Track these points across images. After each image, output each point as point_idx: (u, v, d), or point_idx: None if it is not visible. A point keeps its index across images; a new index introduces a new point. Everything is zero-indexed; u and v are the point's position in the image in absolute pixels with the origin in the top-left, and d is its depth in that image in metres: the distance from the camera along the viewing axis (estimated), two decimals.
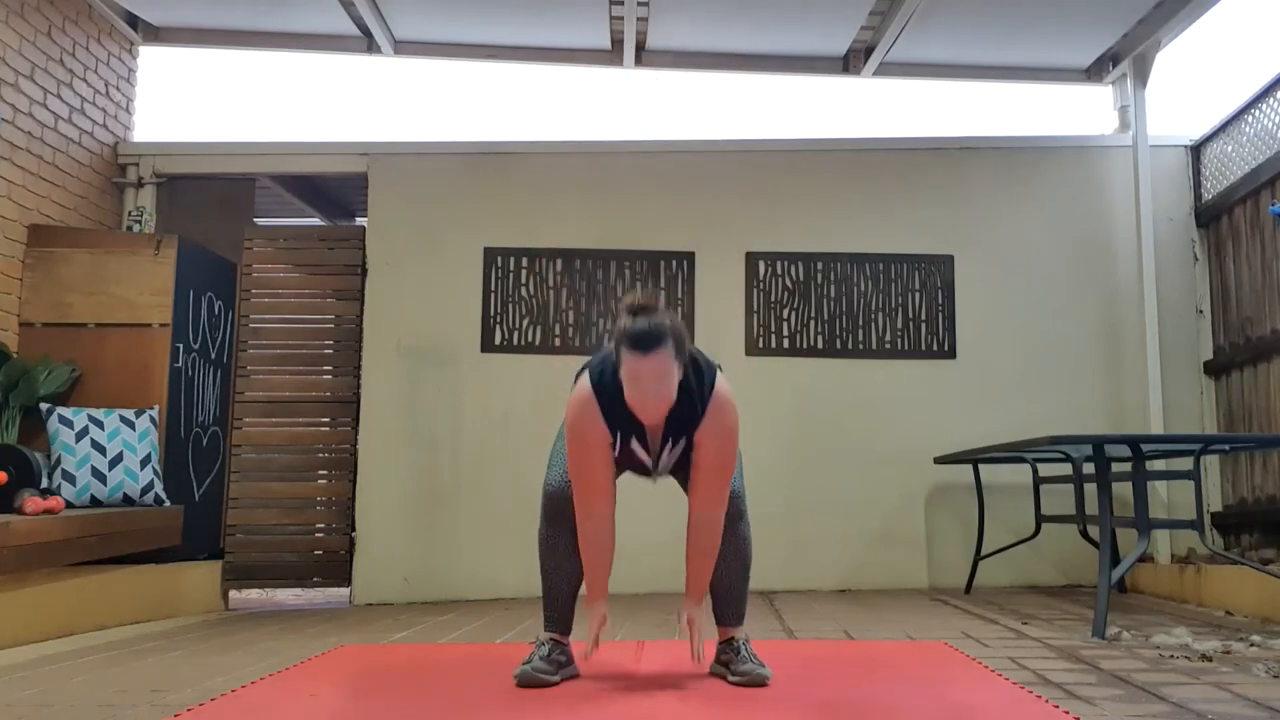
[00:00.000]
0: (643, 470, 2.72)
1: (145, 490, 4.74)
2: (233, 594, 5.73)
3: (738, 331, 5.83)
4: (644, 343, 2.39)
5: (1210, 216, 5.77)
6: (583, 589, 2.73)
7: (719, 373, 2.62)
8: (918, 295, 5.90)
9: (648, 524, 4.97)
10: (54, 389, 4.79)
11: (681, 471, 2.70)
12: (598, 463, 2.56)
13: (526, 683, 2.62)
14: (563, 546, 2.70)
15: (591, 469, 2.57)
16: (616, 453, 2.61)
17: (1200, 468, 4.23)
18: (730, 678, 2.66)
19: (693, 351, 2.58)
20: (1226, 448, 4.87)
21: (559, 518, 2.69)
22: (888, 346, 5.86)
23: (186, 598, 5.10)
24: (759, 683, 2.60)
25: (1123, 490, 4.81)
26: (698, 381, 2.54)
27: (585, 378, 2.59)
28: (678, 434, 2.59)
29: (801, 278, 5.91)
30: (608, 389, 2.52)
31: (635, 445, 2.61)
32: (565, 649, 2.75)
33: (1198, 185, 5.92)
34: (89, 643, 3.93)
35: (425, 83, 7.32)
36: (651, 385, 2.42)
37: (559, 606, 2.76)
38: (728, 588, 2.73)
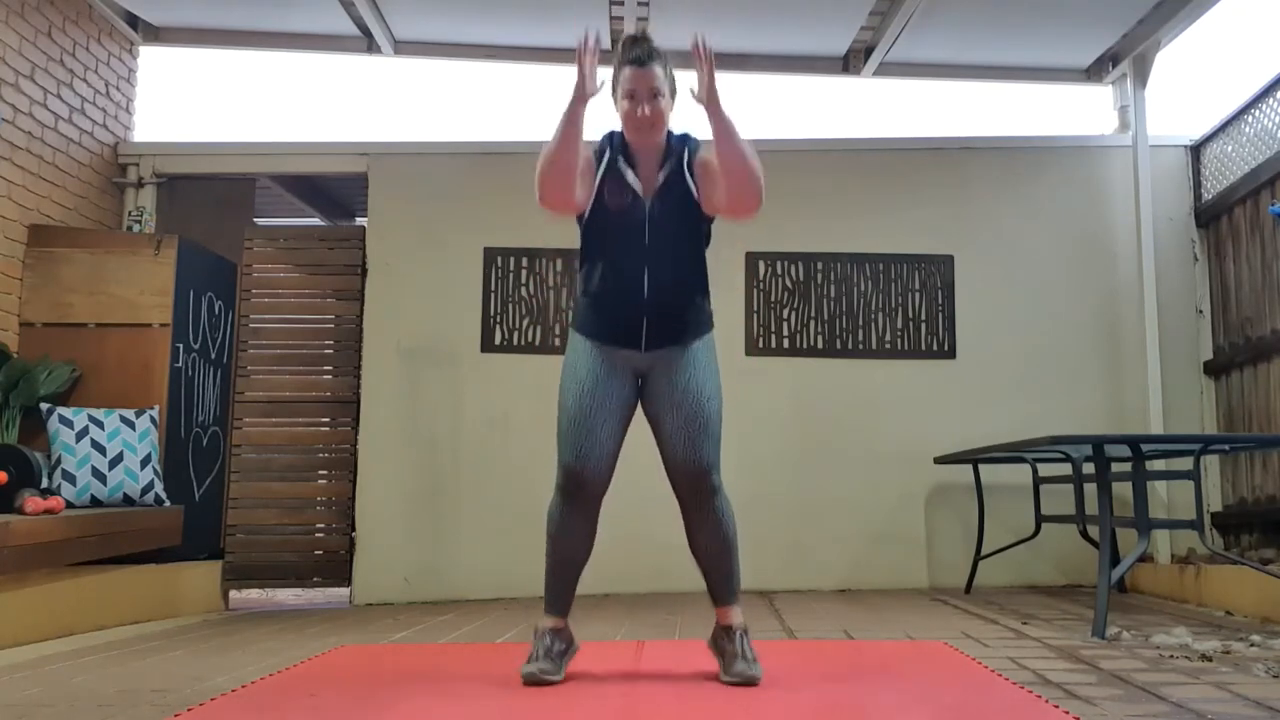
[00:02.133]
0: (634, 209, 2.72)
1: (145, 490, 4.74)
2: (233, 594, 5.73)
3: (738, 331, 5.82)
4: (639, 57, 2.68)
5: (1210, 216, 5.77)
6: (580, 582, 2.74)
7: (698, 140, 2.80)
8: (918, 295, 5.90)
9: (648, 524, 4.97)
10: (54, 389, 4.79)
11: (677, 208, 2.73)
12: (575, 164, 2.64)
13: (532, 683, 2.63)
14: (573, 523, 2.70)
15: (570, 166, 2.63)
16: (607, 194, 2.72)
17: (1200, 468, 4.22)
18: (723, 677, 2.67)
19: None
20: (1226, 448, 4.87)
21: (574, 496, 2.69)
22: (888, 346, 5.87)
23: (186, 598, 5.10)
24: (750, 682, 2.61)
25: (1123, 490, 4.80)
26: (680, 139, 2.79)
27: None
28: (674, 165, 2.74)
29: (801, 278, 5.91)
30: (608, 143, 2.74)
31: (623, 166, 2.72)
32: (564, 634, 2.75)
33: (1198, 185, 5.92)
34: (89, 643, 3.93)
35: (425, 83, 7.33)
36: (647, 101, 2.65)
37: (561, 586, 2.75)
38: (715, 566, 2.72)
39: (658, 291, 2.71)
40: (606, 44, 2.78)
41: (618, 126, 2.78)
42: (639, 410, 2.76)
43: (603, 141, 2.77)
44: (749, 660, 2.66)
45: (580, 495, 2.68)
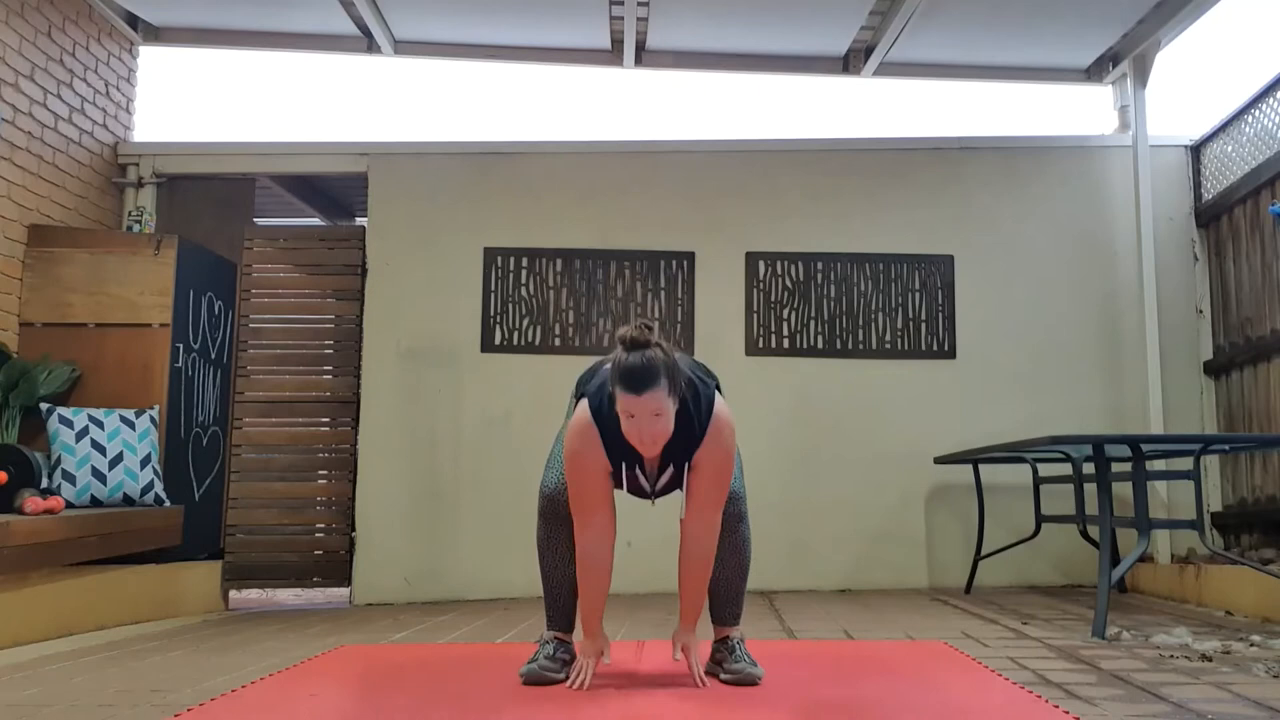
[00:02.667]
0: (640, 493, 2.73)
1: (145, 490, 4.74)
2: (233, 594, 5.73)
3: (738, 331, 5.83)
4: (637, 383, 2.39)
5: (1210, 216, 5.77)
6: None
7: (717, 393, 2.62)
8: (918, 295, 5.90)
9: (647, 524, 4.97)
10: (54, 389, 4.79)
11: (680, 488, 2.70)
12: (597, 489, 2.58)
13: (533, 680, 2.65)
14: (561, 547, 2.71)
15: (591, 495, 2.58)
16: (622, 484, 2.64)
17: (1200, 468, 4.23)
18: (722, 675, 2.68)
19: (690, 372, 2.57)
20: (1226, 448, 4.87)
21: (557, 519, 2.70)
22: (888, 346, 5.87)
23: (186, 598, 5.10)
24: (750, 681, 2.62)
25: (1123, 490, 4.81)
26: (695, 406, 2.54)
27: (584, 405, 2.59)
28: (677, 459, 2.60)
29: (801, 278, 5.91)
30: (607, 419, 2.53)
31: (636, 471, 2.62)
32: (569, 647, 2.77)
33: (1198, 185, 5.92)
34: (89, 643, 3.93)
35: (425, 83, 7.33)
36: (647, 423, 2.42)
37: (561, 606, 2.77)
38: (725, 588, 2.74)
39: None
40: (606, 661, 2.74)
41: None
42: None
43: (604, 416, 2.54)
44: (748, 660, 2.67)
45: (559, 514, 2.69)
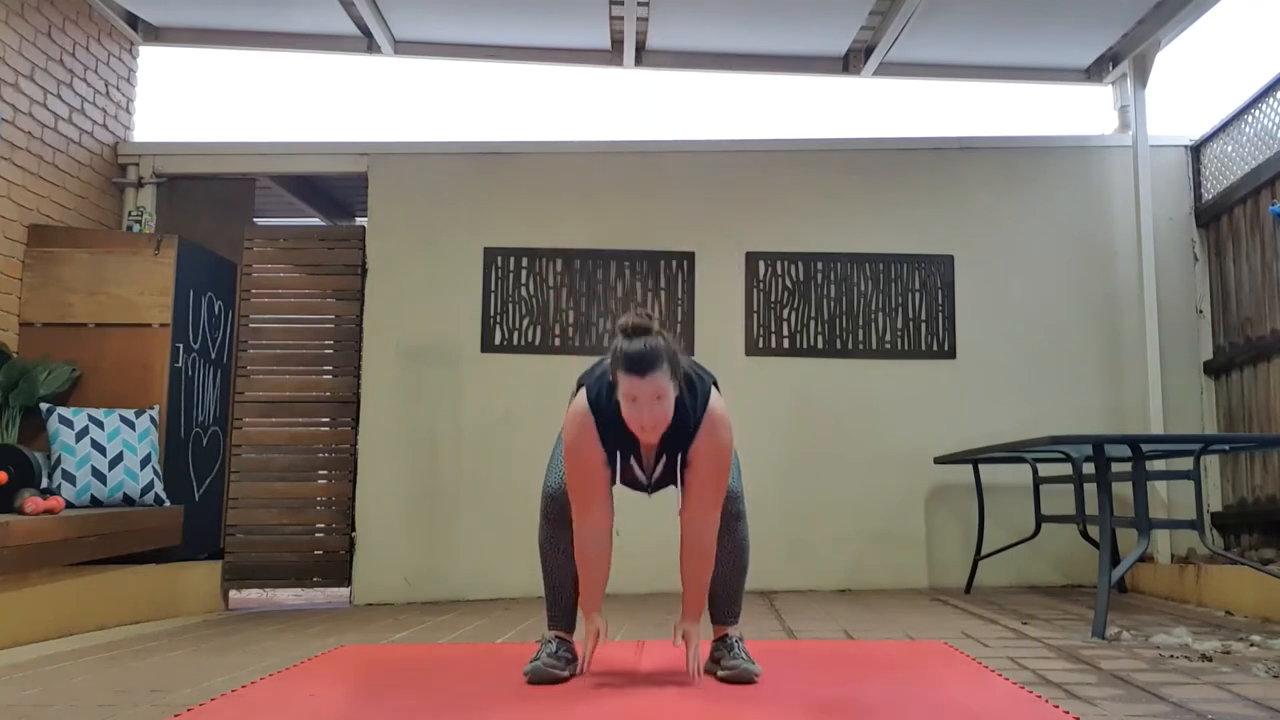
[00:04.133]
0: (637, 485, 2.74)
1: (145, 490, 4.74)
2: (233, 594, 5.73)
3: (738, 331, 5.83)
4: (640, 365, 2.41)
5: (1210, 216, 5.77)
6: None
7: (714, 389, 2.63)
8: (918, 295, 5.90)
9: (647, 524, 4.97)
10: (54, 389, 4.79)
11: (675, 484, 2.71)
12: (595, 479, 2.59)
13: (538, 679, 2.65)
14: (564, 547, 2.72)
15: (588, 485, 2.59)
16: (616, 477, 2.64)
17: (1200, 468, 4.23)
18: (719, 672, 2.68)
19: (688, 368, 2.58)
20: (1226, 448, 4.87)
21: (559, 519, 2.71)
22: (888, 346, 5.87)
23: (186, 598, 5.10)
24: (747, 679, 2.62)
25: (1123, 490, 4.81)
26: (692, 398, 2.56)
27: (582, 395, 2.60)
28: (672, 450, 2.61)
29: (801, 278, 5.91)
30: (604, 409, 2.54)
31: (632, 463, 2.64)
32: (570, 646, 2.77)
33: (1198, 185, 5.92)
34: (89, 643, 3.93)
35: (425, 83, 7.32)
36: (648, 406, 2.44)
37: (563, 605, 2.78)
38: (724, 587, 2.74)
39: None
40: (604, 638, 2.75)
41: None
42: None
43: (601, 406, 2.56)
44: (747, 658, 2.67)
45: (563, 517, 2.69)
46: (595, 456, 2.57)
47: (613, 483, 2.67)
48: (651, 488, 2.74)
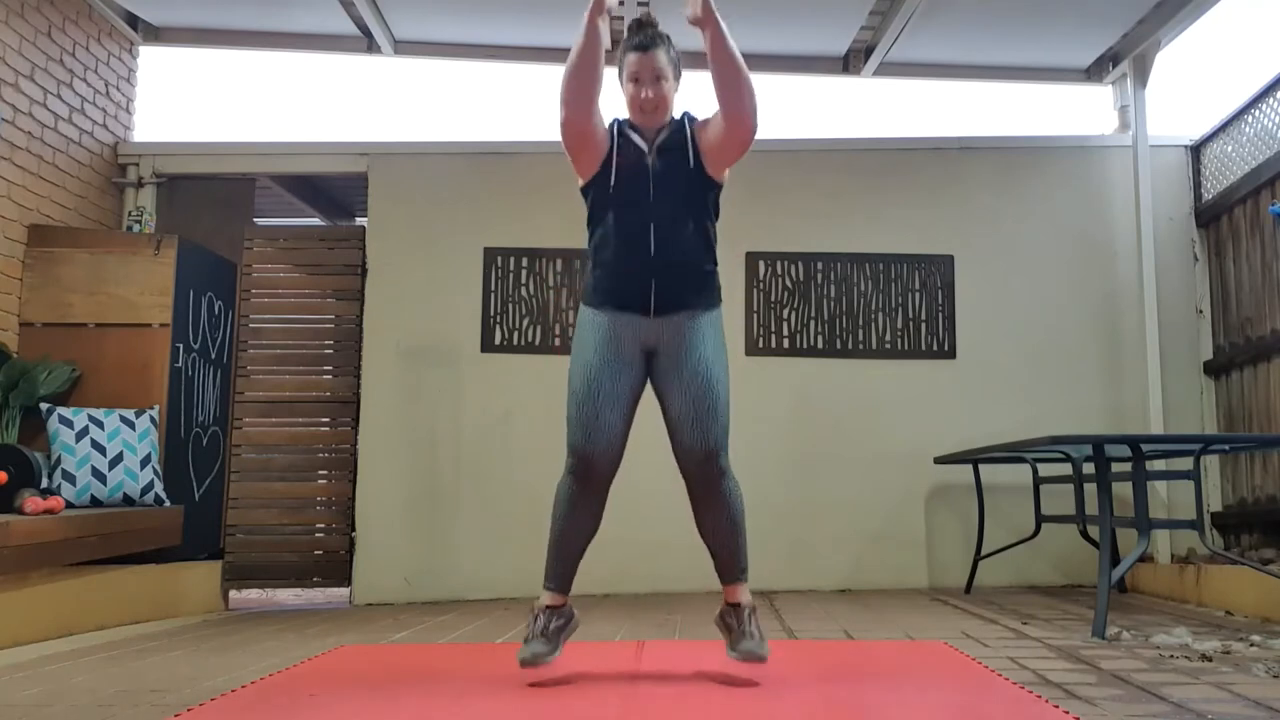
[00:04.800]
0: (636, 165, 2.77)
1: (145, 490, 4.74)
2: (233, 594, 5.73)
3: (738, 331, 5.82)
4: (644, 43, 2.75)
5: (1210, 216, 5.77)
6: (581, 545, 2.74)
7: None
8: (918, 295, 5.90)
9: (647, 523, 4.97)
10: (54, 389, 4.79)
11: (679, 164, 2.77)
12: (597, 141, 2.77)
13: (528, 665, 2.61)
14: (579, 506, 2.69)
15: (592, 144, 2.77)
16: (617, 154, 2.77)
17: (1200, 468, 4.23)
18: (730, 653, 2.65)
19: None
20: (1226, 448, 4.87)
21: (583, 476, 2.67)
22: (888, 346, 5.87)
23: (186, 598, 5.10)
24: (757, 659, 2.59)
25: (1123, 490, 4.81)
26: (681, 116, 2.85)
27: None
28: (673, 125, 2.81)
29: (801, 278, 5.91)
30: (618, 121, 2.82)
31: (629, 130, 2.79)
32: (563, 610, 2.72)
33: (1198, 185, 5.92)
34: (89, 643, 3.93)
35: (425, 83, 7.33)
36: (650, 84, 2.73)
37: (564, 561, 2.72)
38: (723, 545, 2.71)
39: (664, 250, 2.72)
40: None
41: (622, 114, 2.84)
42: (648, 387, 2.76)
43: (610, 123, 2.84)
44: (756, 639, 2.63)
45: (589, 476, 2.67)
46: (600, 136, 2.77)
47: (617, 163, 2.77)
48: (654, 162, 2.77)
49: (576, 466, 2.68)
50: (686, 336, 2.70)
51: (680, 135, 2.78)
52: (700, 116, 2.83)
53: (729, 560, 2.73)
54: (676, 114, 2.84)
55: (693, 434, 2.64)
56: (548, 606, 2.71)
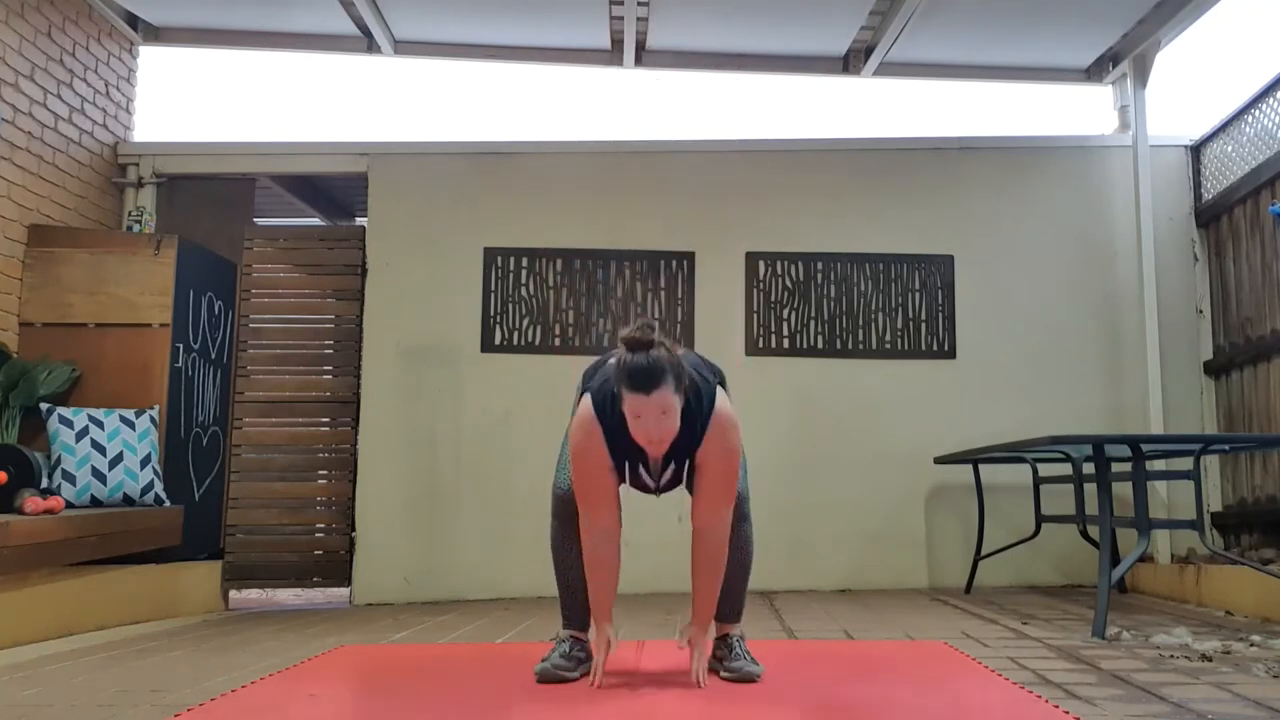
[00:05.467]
0: (645, 489, 2.74)
1: (145, 490, 4.74)
2: (233, 594, 5.73)
3: (738, 331, 5.82)
4: (644, 384, 2.41)
5: (1210, 216, 5.77)
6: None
7: (719, 390, 2.62)
8: (918, 295, 5.90)
9: (649, 523, 4.96)
10: (54, 389, 4.79)
11: (683, 485, 2.72)
12: (601, 484, 2.60)
13: (546, 679, 2.65)
14: (575, 546, 2.70)
15: (596, 489, 2.59)
16: (625, 479, 2.66)
17: (1200, 468, 4.23)
18: (722, 673, 2.69)
19: (692, 371, 2.57)
20: (1226, 448, 4.87)
21: (569, 518, 2.70)
22: (888, 346, 5.86)
23: (186, 598, 5.10)
24: (749, 679, 2.63)
25: (1123, 490, 4.81)
26: (697, 404, 2.55)
27: (588, 400, 2.60)
28: (680, 456, 2.61)
29: (801, 278, 5.91)
30: (610, 419, 2.54)
31: (640, 470, 2.65)
32: (584, 645, 2.76)
33: (1198, 185, 5.92)
34: (89, 643, 3.93)
35: (425, 83, 7.33)
36: (654, 422, 2.45)
37: (575, 604, 2.76)
38: (727, 586, 2.73)
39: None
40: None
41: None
42: None
43: (607, 416, 2.56)
44: (748, 659, 2.68)
45: (574, 515, 2.68)
46: (602, 463, 2.57)
47: (623, 481, 2.67)
48: (660, 490, 2.74)
49: (559, 508, 2.73)
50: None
51: (688, 470, 2.66)
52: (710, 425, 2.57)
53: (729, 600, 2.74)
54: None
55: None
56: (571, 637, 2.76)
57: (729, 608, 2.76)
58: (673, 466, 2.64)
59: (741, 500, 2.72)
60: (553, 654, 2.72)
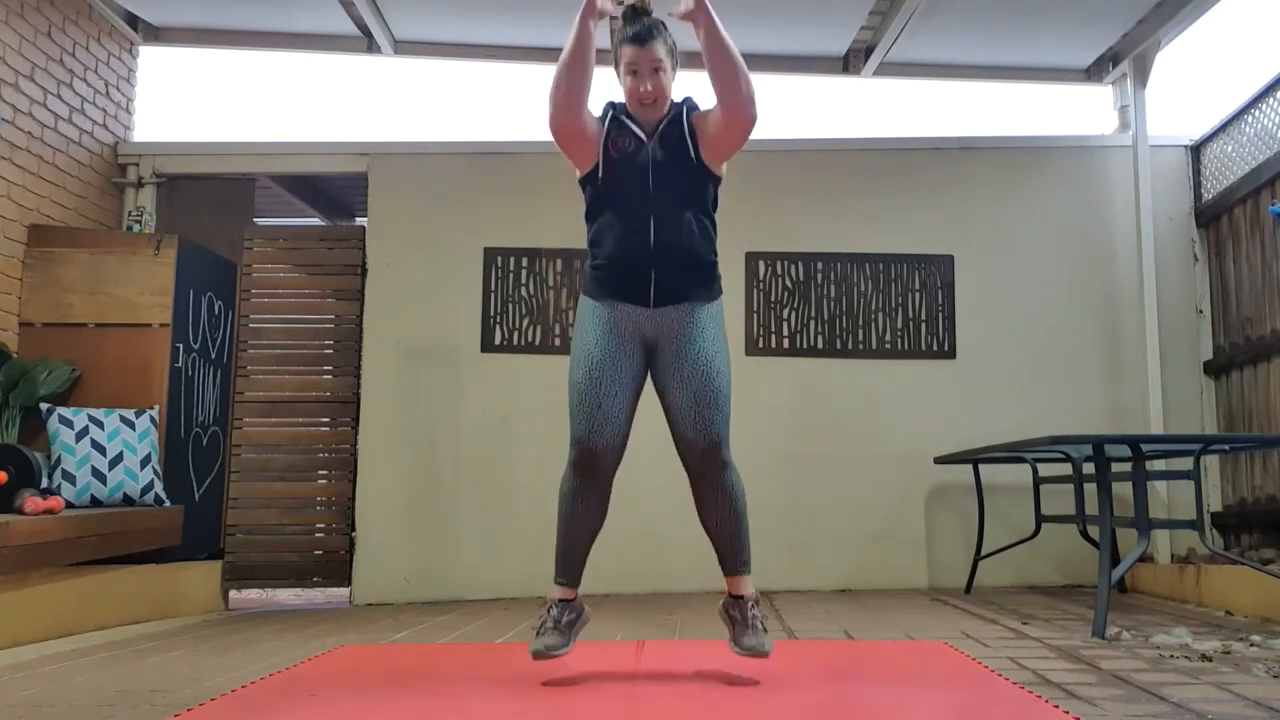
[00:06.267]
0: (634, 155, 2.75)
1: (145, 490, 4.74)
2: (233, 594, 5.73)
3: (738, 331, 5.82)
4: (641, 37, 2.71)
5: (1210, 216, 5.77)
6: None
7: None
8: (918, 295, 5.90)
9: (647, 523, 4.97)
10: (54, 389, 4.79)
11: (678, 155, 2.75)
12: (583, 128, 2.74)
13: (541, 657, 2.61)
14: (586, 499, 2.67)
15: (578, 133, 2.75)
16: (611, 147, 2.76)
17: (1200, 468, 4.23)
18: (733, 647, 2.64)
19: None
20: (1226, 448, 4.87)
21: (587, 469, 2.66)
22: (888, 346, 5.87)
23: (186, 598, 5.10)
24: (760, 654, 2.58)
25: (1123, 490, 4.81)
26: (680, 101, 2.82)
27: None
28: (671, 114, 2.77)
29: (801, 278, 5.91)
30: (615, 106, 2.79)
31: (627, 120, 2.76)
32: (574, 605, 2.72)
33: (1198, 185, 5.92)
34: (89, 643, 3.93)
35: (425, 83, 7.33)
36: (648, 77, 2.70)
37: (572, 557, 2.72)
38: (725, 537, 2.70)
39: (664, 241, 2.71)
40: None
41: (618, 98, 2.82)
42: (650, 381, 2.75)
43: (605, 108, 2.82)
44: (759, 632, 2.61)
45: (592, 469, 2.65)
46: (591, 127, 2.75)
47: (612, 153, 2.76)
48: (654, 151, 2.75)
49: (579, 459, 2.67)
50: (686, 329, 2.70)
51: (679, 127, 2.76)
52: (701, 105, 2.82)
53: (731, 552, 2.72)
54: (677, 96, 2.82)
55: (694, 427, 2.63)
56: (560, 600, 2.71)
57: (735, 558, 2.71)
58: (664, 137, 2.74)
59: (721, 443, 2.65)
60: (544, 628, 2.65)
